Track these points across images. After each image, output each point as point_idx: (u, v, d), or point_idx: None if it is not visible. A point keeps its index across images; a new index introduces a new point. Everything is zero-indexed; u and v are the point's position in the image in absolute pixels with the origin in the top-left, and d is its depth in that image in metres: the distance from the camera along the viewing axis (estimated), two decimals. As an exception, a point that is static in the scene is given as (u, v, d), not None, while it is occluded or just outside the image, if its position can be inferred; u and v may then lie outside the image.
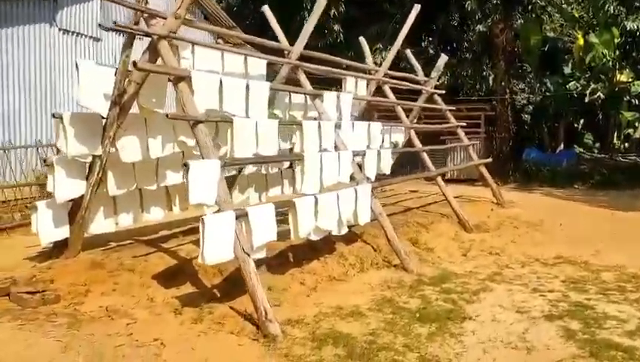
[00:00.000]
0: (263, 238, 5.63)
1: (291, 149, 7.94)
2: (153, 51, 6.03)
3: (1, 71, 9.63)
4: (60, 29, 10.51)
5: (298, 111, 9.11)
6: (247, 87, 6.54)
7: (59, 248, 6.51)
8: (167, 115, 5.36)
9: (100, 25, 5.72)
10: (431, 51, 19.78)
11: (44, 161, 6.15)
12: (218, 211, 5.38)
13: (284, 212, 6.34)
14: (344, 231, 7.11)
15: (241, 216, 5.41)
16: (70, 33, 10.71)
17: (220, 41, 13.59)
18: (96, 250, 6.81)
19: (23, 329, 4.67)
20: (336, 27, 19.20)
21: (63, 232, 6.38)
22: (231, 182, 8.46)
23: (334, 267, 7.16)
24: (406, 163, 17.64)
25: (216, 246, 5.06)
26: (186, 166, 5.15)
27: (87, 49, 11.00)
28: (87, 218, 6.57)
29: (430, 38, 20.70)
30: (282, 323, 5.25)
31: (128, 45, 6.08)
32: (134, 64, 5.18)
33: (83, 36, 10.92)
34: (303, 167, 6.75)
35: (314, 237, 6.57)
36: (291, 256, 7.01)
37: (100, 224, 6.78)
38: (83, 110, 6.02)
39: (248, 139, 6.26)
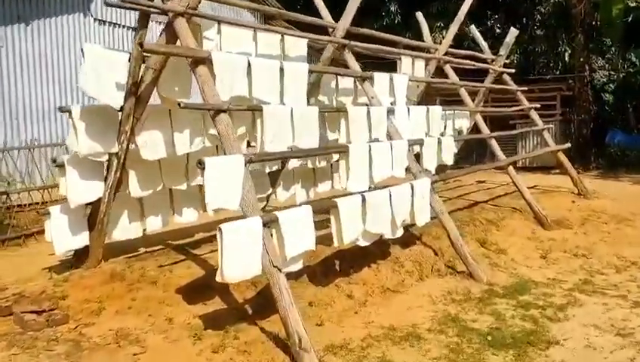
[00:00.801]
0: (298, 248, 4.72)
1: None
2: (170, 31, 5.21)
3: (33, 64, 9.16)
4: (95, 19, 9.99)
5: (346, 97, 8.12)
6: (282, 69, 5.63)
7: (80, 257, 5.87)
8: (179, 105, 4.52)
9: (105, 2, 4.80)
10: (497, 30, 18.16)
11: (54, 161, 5.48)
12: (242, 217, 4.50)
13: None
14: (399, 233, 6.09)
15: (270, 222, 4.52)
16: (106, 23, 10.17)
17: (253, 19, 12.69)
18: (121, 258, 6.14)
19: (14, 362, 4.01)
20: (392, 7, 17.94)
21: (81, 240, 5.72)
22: (274, 177, 7.63)
23: (388, 275, 6.16)
24: (471, 151, 16.32)
25: (239, 260, 4.20)
26: (200, 164, 4.30)
27: (124, 40, 10.43)
28: (108, 223, 5.89)
29: (496, 15, 19.03)
30: (322, 349, 4.35)
31: (142, 26, 5.30)
32: (140, 45, 4.36)
33: (119, 26, 10.37)
34: (347, 161, 5.77)
35: (362, 243, 5.60)
36: (338, 264, 6.07)
37: (125, 229, 6.09)
38: (96, 102, 5.28)
39: (282, 129, 5.36)
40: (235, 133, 4.80)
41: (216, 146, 6.39)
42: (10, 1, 8.68)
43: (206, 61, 4.91)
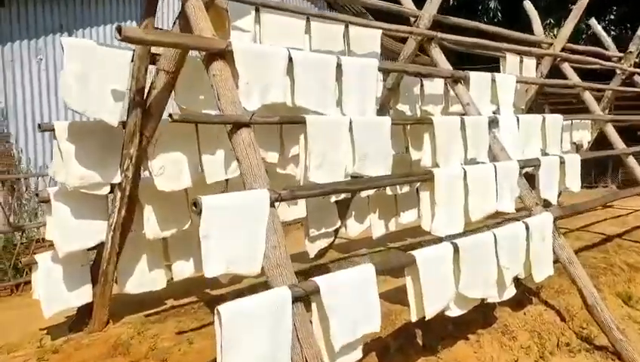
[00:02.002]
0: (352, 331, 3.08)
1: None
2: (185, 18, 3.80)
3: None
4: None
5: (435, 106, 6.41)
6: (340, 66, 4.06)
7: (84, 316, 4.57)
8: (170, 116, 3.07)
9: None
10: (616, 29, 15.53)
11: (37, 195, 4.21)
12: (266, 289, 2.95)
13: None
14: (509, 294, 4.26)
15: (307, 295, 2.92)
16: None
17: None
18: (139, 315, 4.79)
19: None
20: (492, 3, 15.82)
21: (81, 297, 4.41)
22: (344, 205, 6.04)
23: (494, 352, 4.34)
24: (589, 169, 13.79)
25: (250, 355, 2.64)
26: (196, 206, 2.80)
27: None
28: (120, 274, 4.57)
29: (619, 8, 16.31)
30: None
31: (150, 12, 3.95)
32: (118, 30, 2.96)
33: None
34: (433, 192, 4.05)
35: (454, 312, 3.84)
36: (420, 335, 4.34)
37: (143, 280, 4.72)
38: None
39: (336, 149, 3.77)
40: (259, 157, 3.26)
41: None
42: (52, 11, 7.78)
43: (225, 54, 3.43)
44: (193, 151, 4.48)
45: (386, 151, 4.13)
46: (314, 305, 2.98)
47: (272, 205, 3.07)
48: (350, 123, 3.89)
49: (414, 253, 3.53)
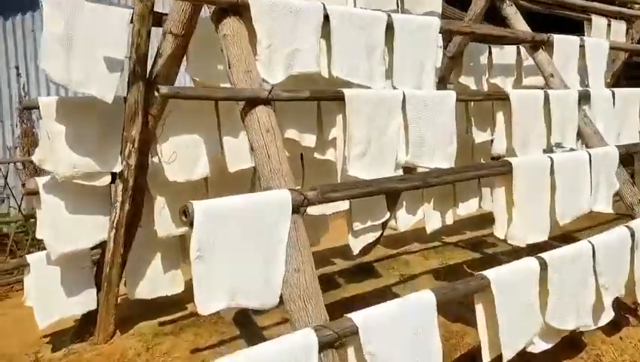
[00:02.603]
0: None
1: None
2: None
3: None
4: None
5: (505, 78, 5.40)
6: (391, 26, 3.17)
7: (89, 323, 3.93)
8: (156, 90, 2.28)
9: None
10: None
11: (23, 185, 3.54)
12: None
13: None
14: (606, 319, 3.33)
15: (344, 335, 2.11)
16: None
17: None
18: (153, 323, 4.12)
19: None
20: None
21: (82, 304, 3.76)
22: (394, 195, 5.17)
23: (584, 388, 3.43)
24: None
25: None
26: (186, 215, 2.02)
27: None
28: (128, 276, 3.90)
29: None
30: None
31: (152, -38, 3.16)
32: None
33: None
34: (510, 189, 3.13)
35: (540, 347, 2.95)
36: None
37: (156, 283, 4.03)
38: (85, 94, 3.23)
39: (382, 134, 2.92)
40: (280, 145, 2.45)
41: (302, 155, 4.11)
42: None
43: (239, 9, 2.61)
44: (212, 132, 3.72)
45: (449, 136, 3.23)
46: (350, 352, 2.17)
47: (295, 211, 2.26)
48: (403, 99, 3.01)
49: (488, 274, 2.65)
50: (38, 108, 3.19)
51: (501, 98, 3.57)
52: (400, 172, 3.24)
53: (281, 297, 2.26)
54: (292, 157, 3.94)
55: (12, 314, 4.53)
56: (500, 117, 3.64)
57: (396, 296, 4.54)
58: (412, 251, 5.82)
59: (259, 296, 2.18)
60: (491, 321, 2.63)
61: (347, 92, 2.79)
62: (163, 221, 3.79)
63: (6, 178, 5.96)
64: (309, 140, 3.90)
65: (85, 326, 3.95)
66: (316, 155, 4.04)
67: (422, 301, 2.37)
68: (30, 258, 3.57)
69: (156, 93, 2.25)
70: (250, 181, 4.01)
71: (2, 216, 6.10)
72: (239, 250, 2.12)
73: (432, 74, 3.45)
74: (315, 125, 3.87)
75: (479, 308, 2.68)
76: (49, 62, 2.87)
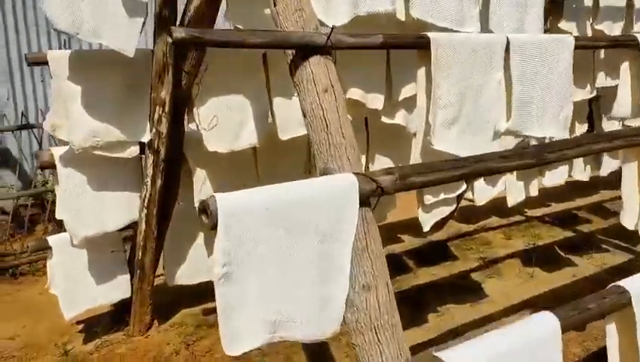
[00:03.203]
0: None
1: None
2: None
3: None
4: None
5: (613, 23, 4.45)
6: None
7: (125, 310, 3.47)
8: (169, 36, 1.65)
9: None
10: None
11: (36, 156, 3.02)
12: None
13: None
14: None
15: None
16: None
17: None
18: (196, 310, 3.63)
19: None
20: None
21: (114, 293, 3.29)
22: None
23: None
24: None
25: None
26: (206, 213, 1.41)
27: None
28: (166, 259, 3.39)
29: None
30: None
31: None
32: None
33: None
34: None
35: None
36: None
37: (199, 266, 3.48)
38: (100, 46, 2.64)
39: (477, 94, 2.18)
40: (343, 109, 1.78)
41: (366, 118, 3.43)
42: None
43: None
44: (260, 92, 3.08)
45: (564, 96, 2.45)
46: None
47: (364, 203, 1.60)
48: (507, 46, 2.25)
49: (629, 285, 1.92)
50: (47, 63, 2.62)
51: (631, 44, 2.73)
52: (498, 144, 2.49)
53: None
54: (354, 123, 3.27)
55: (47, 295, 4.15)
56: (625, 69, 2.81)
57: (477, 285, 3.92)
58: (491, 227, 5.06)
59: (311, 325, 1.56)
60: (631, 351, 1.92)
61: (434, 36, 2.06)
62: (204, 197, 3.21)
63: (40, 145, 5.55)
64: (376, 101, 3.21)
65: (121, 313, 3.51)
66: (384, 119, 3.35)
67: (540, 330, 1.68)
68: (52, 240, 3.09)
69: (168, 39, 1.60)
70: (307, 151, 3.38)
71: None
72: (284, 261, 1.49)
73: (540, 15, 2.65)
74: (383, 82, 3.16)
75: (611, 328, 1.96)
76: (52, 4, 2.28)
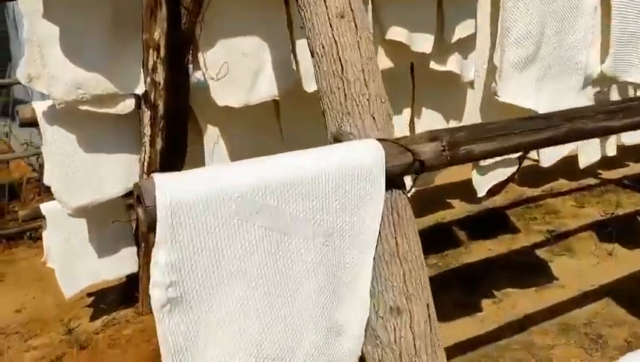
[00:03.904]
0: None
1: None
2: None
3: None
4: None
5: None
6: None
7: (134, 285, 3.10)
8: None
9: None
10: None
11: (16, 112, 2.59)
12: None
13: None
14: None
15: None
16: None
17: None
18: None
19: None
20: None
21: (118, 267, 2.90)
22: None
23: None
24: None
25: None
26: (138, 201, 0.90)
27: None
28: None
29: None
30: None
31: None
32: None
33: None
34: None
35: None
36: None
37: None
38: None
39: (561, 24, 1.55)
40: (369, 48, 1.21)
41: (411, 69, 2.84)
42: None
43: None
44: (279, 31, 2.52)
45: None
46: None
47: (395, 184, 1.07)
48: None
49: None
50: (14, -1, 2.15)
51: None
52: (585, 96, 1.86)
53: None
54: (397, 71, 2.70)
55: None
56: None
57: (544, 265, 3.29)
58: (559, 192, 4.38)
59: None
60: None
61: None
62: (216, 161, 2.73)
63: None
64: (424, 43, 2.62)
65: (130, 288, 3.14)
66: (433, 66, 2.76)
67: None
68: (45, 208, 2.71)
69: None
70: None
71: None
72: (270, 276, 0.98)
73: None
74: (432, 19, 2.55)
75: None
76: None
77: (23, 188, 4.91)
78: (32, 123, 2.41)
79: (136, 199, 0.93)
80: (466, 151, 1.17)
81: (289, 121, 2.79)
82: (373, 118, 1.18)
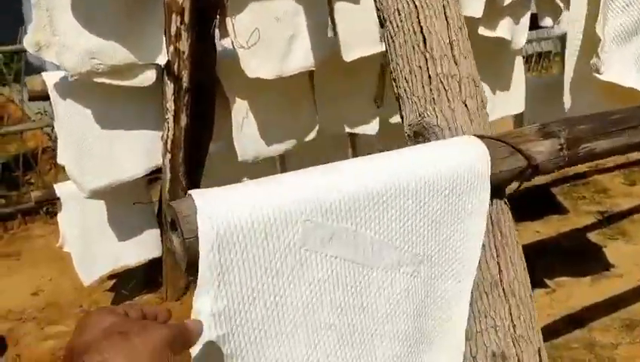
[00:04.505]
0: None
1: None
2: None
3: None
4: None
5: None
6: None
7: (158, 270, 2.91)
8: None
9: None
10: None
11: (25, 84, 2.34)
12: None
13: None
14: None
15: None
16: None
17: None
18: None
19: None
20: None
21: (141, 252, 2.71)
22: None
23: None
24: None
25: None
26: (172, 226, 0.66)
27: None
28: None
29: None
30: None
31: None
32: None
33: None
34: None
35: None
36: None
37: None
38: None
39: None
40: (455, 7, 0.95)
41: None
42: None
43: None
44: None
45: None
46: None
47: (499, 193, 0.81)
48: None
49: None
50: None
51: None
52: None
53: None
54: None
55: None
56: None
57: (597, 250, 3.00)
58: (605, 168, 4.07)
59: None
60: None
61: None
62: (245, 137, 2.48)
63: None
64: (475, 4, 2.36)
65: (153, 273, 2.95)
66: (482, 32, 2.50)
67: None
68: (60, 189, 2.50)
69: None
70: (378, 76, 2.55)
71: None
72: (341, 315, 0.75)
73: None
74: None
75: None
76: None
77: (39, 159, 4.72)
78: (43, 96, 2.18)
79: (169, 224, 0.69)
80: (587, 150, 0.91)
81: (325, 94, 2.53)
82: (466, 105, 0.92)
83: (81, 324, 0.54)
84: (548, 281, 2.72)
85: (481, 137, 0.84)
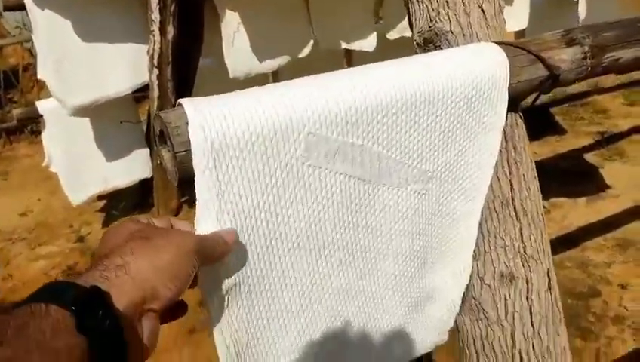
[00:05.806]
0: None
1: None
2: None
3: None
4: None
5: None
6: None
7: (147, 191, 2.87)
8: None
9: None
10: None
11: None
12: None
13: None
14: None
15: None
16: None
17: None
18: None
19: None
20: None
21: (131, 172, 2.65)
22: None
23: None
24: None
25: None
26: (162, 139, 0.60)
27: None
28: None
29: None
30: None
31: None
32: None
33: None
34: None
35: None
36: None
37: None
38: None
39: None
40: None
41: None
42: None
43: None
44: None
45: None
46: None
47: (514, 107, 0.74)
48: None
49: None
50: None
51: None
52: None
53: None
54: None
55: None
56: None
57: (594, 171, 2.97)
58: (605, 88, 3.99)
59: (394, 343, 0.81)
60: None
61: None
62: (237, 52, 2.36)
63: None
64: None
65: (145, 193, 2.91)
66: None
67: None
68: (43, 107, 2.40)
69: None
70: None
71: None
72: (341, 245, 0.70)
73: None
74: None
75: None
76: None
77: (20, 77, 4.56)
78: (19, 6, 2.04)
79: (158, 138, 0.62)
80: (611, 60, 0.83)
81: (320, 6, 2.39)
82: (482, 10, 0.84)
83: (106, 234, 0.53)
84: (544, 202, 2.71)
85: (499, 43, 0.77)
